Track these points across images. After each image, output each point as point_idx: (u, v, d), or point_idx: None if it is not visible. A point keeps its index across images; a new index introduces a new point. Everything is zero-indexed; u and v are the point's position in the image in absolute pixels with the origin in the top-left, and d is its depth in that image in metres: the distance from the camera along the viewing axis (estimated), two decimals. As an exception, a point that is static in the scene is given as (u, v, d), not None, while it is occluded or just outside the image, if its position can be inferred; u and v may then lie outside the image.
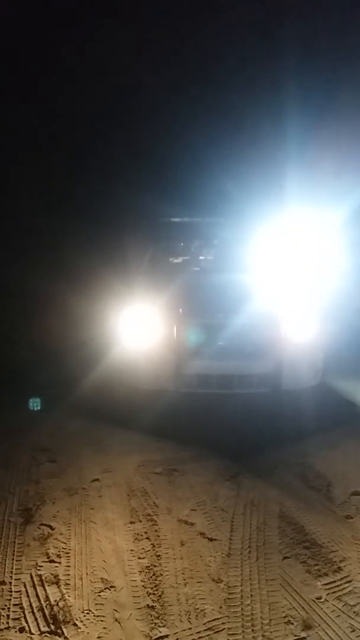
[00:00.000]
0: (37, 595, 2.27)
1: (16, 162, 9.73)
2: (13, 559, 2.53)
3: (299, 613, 2.18)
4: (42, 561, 2.52)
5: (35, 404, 4.39)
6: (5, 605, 2.20)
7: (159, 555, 2.57)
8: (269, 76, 9.84)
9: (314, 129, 8.94)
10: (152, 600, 2.26)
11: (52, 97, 10.34)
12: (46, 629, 2.07)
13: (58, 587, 2.33)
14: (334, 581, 2.39)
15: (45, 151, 10.08)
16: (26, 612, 2.17)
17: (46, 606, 2.20)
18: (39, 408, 4.36)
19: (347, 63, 9.55)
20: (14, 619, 2.12)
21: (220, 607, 2.21)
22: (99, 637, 2.03)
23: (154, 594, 2.30)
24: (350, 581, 2.38)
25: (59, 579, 2.38)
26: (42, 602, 2.23)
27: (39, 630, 2.07)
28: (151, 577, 2.41)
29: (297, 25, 9.82)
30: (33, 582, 2.36)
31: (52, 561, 2.52)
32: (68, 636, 2.03)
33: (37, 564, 2.49)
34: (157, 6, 10.44)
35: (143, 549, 2.64)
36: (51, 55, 10.30)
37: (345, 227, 6.49)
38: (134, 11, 10.45)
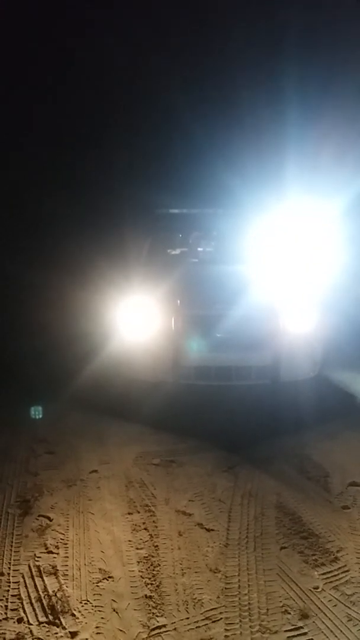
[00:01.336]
0: (35, 586, 2.28)
1: (13, 151, 9.67)
2: (11, 550, 2.53)
3: (296, 603, 2.19)
4: (41, 552, 2.53)
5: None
6: (4, 596, 2.21)
7: (156, 546, 2.58)
8: (268, 65, 9.77)
9: (313, 119, 8.89)
10: (150, 590, 2.27)
11: (49, 87, 10.27)
12: (44, 619, 2.08)
13: (56, 577, 2.34)
14: (331, 571, 2.40)
15: (42, 141, 10.02)
16: (24, 602, 2.18)
17: (44, 597, 2.21)
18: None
19: (346, 52, 9.48)
20: (12, 610, 2.13)
21: (218, 597, 2.22)
22: (97, 627, 2.04)
23: (151, 584, 2.31)
24: (347, 571, 2.39)
25: (57, 570, 2.39)
26: (41, 592, 2.24)
27: (37, 620, 2.08)
28: (149, 567, 2.42)
29: (295, 13, 9.72)
30: (31, 573, 2.37)
31: (50, 552, 2.53)
32: (66, 626, 2.04)
33: (35, 555, 2.50)
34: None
35: (141, 539, 2.64)
36: (50, 45, 10.21)
37: (344, 217, 6.46)
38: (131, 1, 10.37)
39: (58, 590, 2.25)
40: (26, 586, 2.28)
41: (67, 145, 10.37)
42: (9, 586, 2.28)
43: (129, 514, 2.88)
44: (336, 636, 2.00)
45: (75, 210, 9.04)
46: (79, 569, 2.40)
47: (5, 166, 9.66)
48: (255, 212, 5.72)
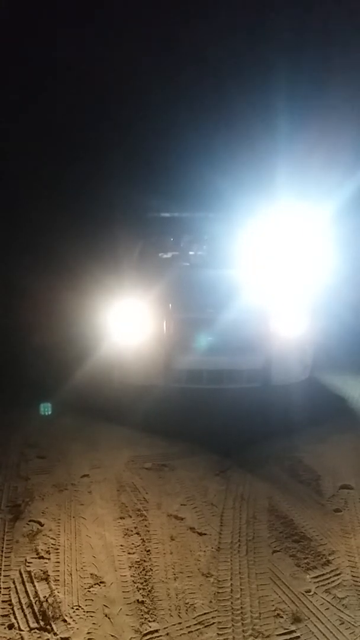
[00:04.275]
0: (26, 592, 2.26)
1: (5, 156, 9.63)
2: (2, 556, 2.51)
3: (288, 606, 2.19)
4: (32, 557, 2.51)
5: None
6: (-6, 602, 2.19)
7: (148, 550, 2.57)
8: (259, 70, 9.82)
9: (304, 124, 8.94)
10: (142, 595, 2.26)
11: (40, 91, 10.24)
12: (35, 625, 2.07)
13: (47, 583, 2.32)
14: (323, 574, 2.40)
15: (32, 146, 9.98)
16: (15, 608, 2.16)
17: (35, 602, 2.19)
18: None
19: (337, 56, 9.55)
20: (2, 616, 2.11)
21: (210, 602, 2.21)
22: (88, 633, 2.03)
23: (143, 589, 2.30)
24: (339, 574, 2.40)
25: (49, 575, 2.37)
26: (32, 598, 2.22)
27: (28, 626, 2.06)
28: (141, 572, 2.41)
29: (287, 18, 9.79)
30: (22, 578, 2.35)
31: (41, 557, 2.51)
32: (57, 632, 2.03)
33: (26, 560, 2.48)
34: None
35: (133, 544, 2.63)
36: (42, 49, 10.18)
37: (336, 222, 6.50)
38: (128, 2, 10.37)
39: (49, 595, 2.23)
40: (17, 592, 2.26)
41: (58, 150, 10.35)
42: (0, 592, 2.26)
43: (121, 518, 2.87)
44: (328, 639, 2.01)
45: (66, 215, 9.01)
46: (71, 574, 2.38)
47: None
48: (247, 215, 5.73)
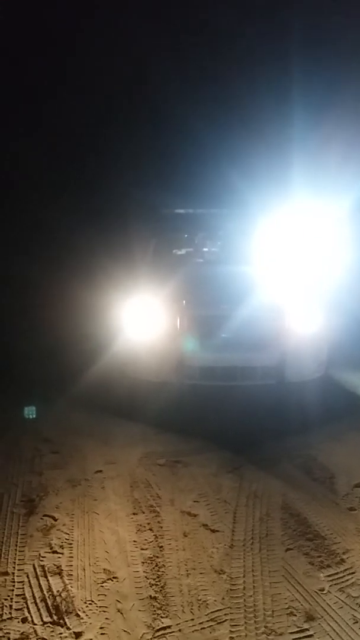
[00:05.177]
0: (39, 586, 2.28)
1: (18, 153, 9.69)
2: (16, 550, 2.53)
3: (301, 605, 2.17)
4: (45, 552, 2.52)
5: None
6: (8, 596, 2.21)
7: (161, 547, 2.57)
8: (274, 65, 9.74)
9: (319, 119, 8.86)
10: (155, 591, 2.26)
11: (53, 89, 10.27)
12: (49, 619, 2.08)
13: (61, 577, 2.33)
14: (337, 573, 2.38)
15: (48, 143, 10.03)
16: (29, 602, 2.17)
17: (49, 597, 2.20)
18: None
19: (353, 50, 9.44)
20: (16, 610, 2.13)
21: (223, 599, 2.21)
22: (101, 628, 2.04)
23: (156, 585, 2.30)
24: (353, 573, 2.38)
25: (62, 570, 2.38)
26: (45, 592, 2.23)
27: (42, 620, 2.07)
28: (154, 568, 2.42)
29: (301, 12, 9.70)
30: (36, 572, 2.37)
31: (55, 552, 2.52)
32: (70, 627, 2.04)
33: (40, 554, 2.50)
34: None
35: (146, 540, 2.64)
36: (52, 47, 10.22)
37: (350, 218, 6.43)
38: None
39: (62, 590, 2.25)
40: (31, 586, 2.28)
41: (72, 146, 10.38)
42: (14, 586, 2.28)
43: (134, 514, 2.88)
44: (342, 638, 1.99)
45: (80, 211, 9.04)
46: (84, 569, 2.39)
47: (10, 168, 9.69)
48: (261, 212, 5.70)
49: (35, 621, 2.07)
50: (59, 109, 10.26)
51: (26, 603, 2.17)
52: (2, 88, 9.54)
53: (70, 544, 2.59)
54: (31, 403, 4.38)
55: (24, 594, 2.22)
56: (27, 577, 2.34)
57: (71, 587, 2.27)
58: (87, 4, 10.11)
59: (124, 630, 2.03)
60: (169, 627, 2.05)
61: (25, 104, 10.02)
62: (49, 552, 2.52)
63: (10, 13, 9.27)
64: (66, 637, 1.99)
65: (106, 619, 2.09)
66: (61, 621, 2.07)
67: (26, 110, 10.00)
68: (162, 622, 2.07)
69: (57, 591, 2.24)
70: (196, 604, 2.17)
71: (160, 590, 2.26)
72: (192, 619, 2.09)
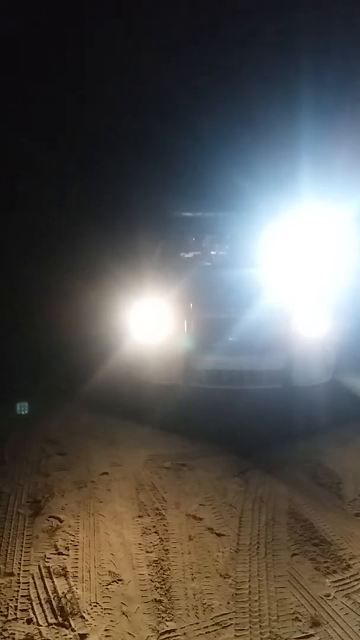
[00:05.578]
0: (45, 587, 2.28)
1: (25, 157, 9.74)
2: (22, 551, 2.54)
3: (307, 610, 2.16)
4: (51, 553, 2.53)
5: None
6: (13, 597, 2.21)
7: (166, 550, 2.57)
8: (282, 67, 9.74)
9: (328, 121, 8.84)
10: (160, 594, 2.25)
11: (59, 91, 10.31)
12: (53, 620, 2.08)
13: (66, 579, 2.34)
14: (343, 579, 2.37)
15: (54, 145, 10.07)
16: (34, 603, 2.18)
17: (54, 598, 2.21)
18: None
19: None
20: (21, 610, 2.13)
21: (228, 603, 2.20)
22: (106, 630, 2.04)
23: (161, 588, 2.29)
24: (359, 579, 2.36)
25: (67, 572, 2.39)
26: (50, 594, 2.24)
27: (47, 622, 2.07)
28: (159, 571, 2.41)
29: (310, 13, 9.69)
30: (41, 574, 2.37)
31: (60, 553, 2.53)
32: (75, 628, 2.04)
33: (45, 556, 2.50)
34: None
35: (151, 542, 2.63)
36: (55, 52, 10.26)
37: (358, 222, 6.40)
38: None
39: (68, 591, 2.25)
40: (36, 587, 2.28)
41: (81, 149, 10.42)
42: (19, 587, 2.28)
43: (139, 516, 2.88)
44: (348, 645, 1.98)
45: (87, 214, 9.08)
46: (89, 571, 2.39)
47: (20, 170, 9.74)
48: (269, 215, 5.69)
49: (40, 622, 2.07)
50: (69, 112, 10.32)
51: (31, 604, 2.17)
52: (15, 91, 9.60)
53: (76, 545, 2.60)
54: (30, 403, 4.41)
55: (29, 595, 2.23)
56: (33, 578, 2.34)
57: (76, 588, 2.27)
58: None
59: (129, 633, 2.03)
60: (173, 630, 2.04)
61: (31, 109, 10.06)
62: (55, 554, 2.52)
63: (13, 13, 9.31)
64: (71, 638, 2.00)
65: (111, 621, 2.09)
66: (66, 623, 2.07)
67: (32, 115, 10.05)
68: (167, 626, 2.06)
69: (62, 593, 2.24)
70: (201, 607, 2.17)
71: (165, 594, 2.26)
72: (197, 623, 2.08)
